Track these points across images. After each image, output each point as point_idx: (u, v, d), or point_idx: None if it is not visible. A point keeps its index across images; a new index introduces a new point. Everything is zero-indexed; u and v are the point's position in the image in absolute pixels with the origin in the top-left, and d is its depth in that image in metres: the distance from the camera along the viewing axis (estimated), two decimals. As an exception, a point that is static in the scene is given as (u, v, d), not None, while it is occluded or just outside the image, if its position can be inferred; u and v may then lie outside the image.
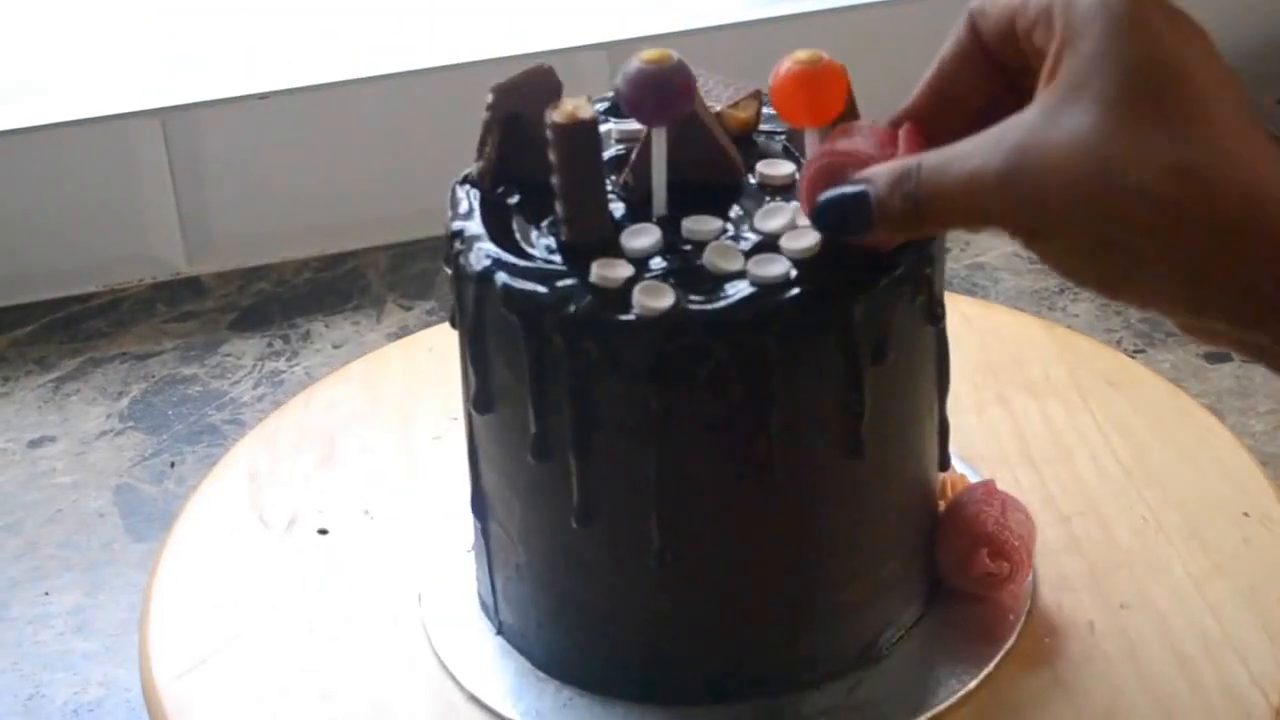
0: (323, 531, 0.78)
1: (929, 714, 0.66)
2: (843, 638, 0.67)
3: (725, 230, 0.63)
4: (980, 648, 0.68)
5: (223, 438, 0.91)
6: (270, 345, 0.98)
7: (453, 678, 0.69)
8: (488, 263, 0.63)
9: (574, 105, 0.61)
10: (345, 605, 0.74)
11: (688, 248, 0.62)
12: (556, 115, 0.61)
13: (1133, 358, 0.88)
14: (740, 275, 0.61)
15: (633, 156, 0.65)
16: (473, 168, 0.67)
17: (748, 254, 0.62)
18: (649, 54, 0.62)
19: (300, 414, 0.84)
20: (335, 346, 0.98)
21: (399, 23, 1.06)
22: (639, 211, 0.64)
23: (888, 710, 0.66)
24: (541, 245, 0.63)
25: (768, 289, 0.60)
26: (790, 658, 0.67)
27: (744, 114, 0.68)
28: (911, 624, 0.69)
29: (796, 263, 0.61)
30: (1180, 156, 0.49)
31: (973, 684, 0.67)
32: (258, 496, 0.79)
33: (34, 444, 0.92)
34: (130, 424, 0.93)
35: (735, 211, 0.64)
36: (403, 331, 0.97)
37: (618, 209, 0.65)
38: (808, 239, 0.61)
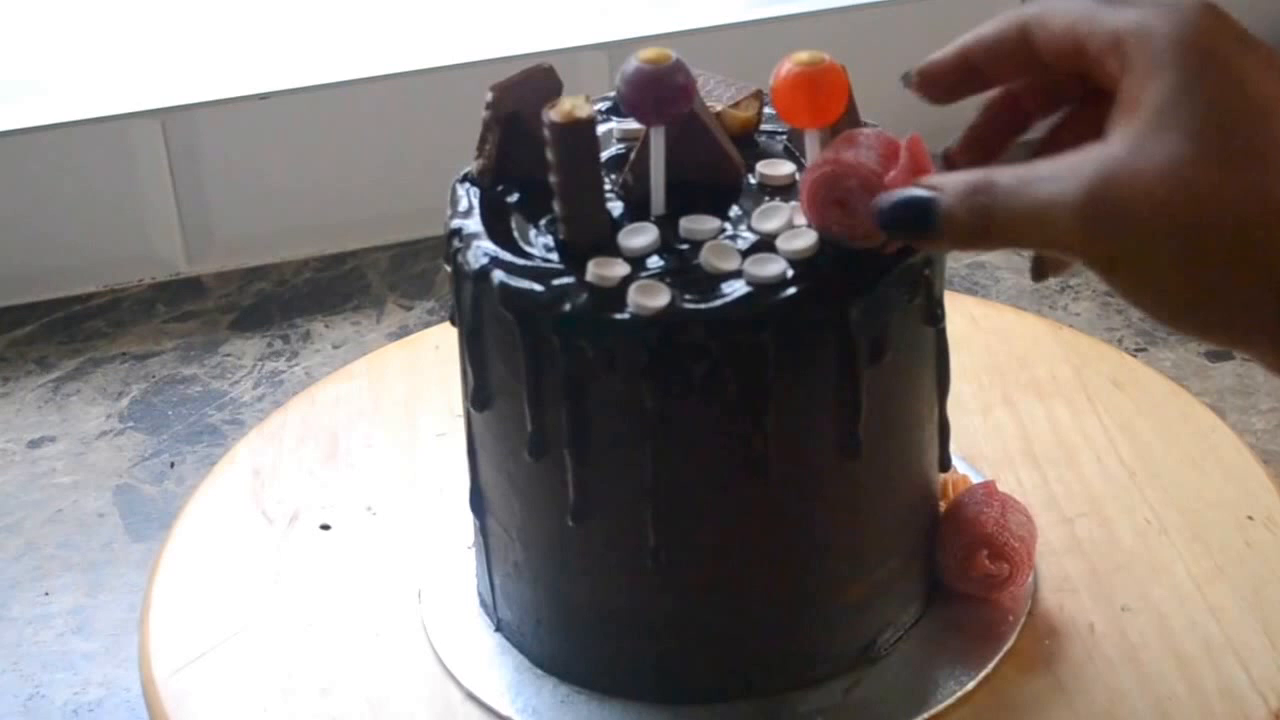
0: (325, 527, 0.78)
1: (927, 714, 0.66)
2: (841, 637, 0.67)
3: (723, 230, 0.63)
4: (980, 649, 0.68)
5: (223, 438, 0.91)
6: (270, 345, 0.98)
7: (451, 675, 0.70)
8: (485, 261, 0.63)
9: (571, 104, 0.62)
10: (345, 601, 0.74)
11: (685, 247, 0.62)
12: (554, 114, 0.61)
13: (1134, 356, 0.88)
14: (737, 275, 0.61)
15: (632, 156, 0.65)
16: (472, 166, 0.67)
17: (745, 254, 0.62)
18: (647, 53, 0.62)
19: (305, 410, 0.84)
20: (335, 346, 0.98)
21: (399, 23, 1.06)
22: (638, 211, 0.64)
23: (885, 710, 0.66)
24: (540, 244, 0.63)
25: (764, 289, 0.60)
26: (787, 657, 0.67)
27: (745, 114, 0.68)
28: (910, 624, 0.69)
29: (793, 263, 0.61)
30: (1272, 190, 0.50)
31: (971, 685, 0.67)
32: (261, 492, 0.80)
33: (34, 444, 0.92)
34: (130, 424, 0.93)
35: (734, 211, 0.64)
36: (403, 331, 0.97)
37: (617, 208, 0.65)
38: (804, 239, 0.61)
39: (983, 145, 0.60)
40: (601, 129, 0.67)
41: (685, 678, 0.67)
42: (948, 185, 0.54)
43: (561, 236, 0.63)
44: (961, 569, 0.69)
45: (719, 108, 0.68)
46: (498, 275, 0.62)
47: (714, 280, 0.61)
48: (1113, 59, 0.53)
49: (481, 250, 0.63)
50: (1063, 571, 0.72)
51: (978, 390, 0.81)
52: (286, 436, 0.83)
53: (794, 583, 0.65)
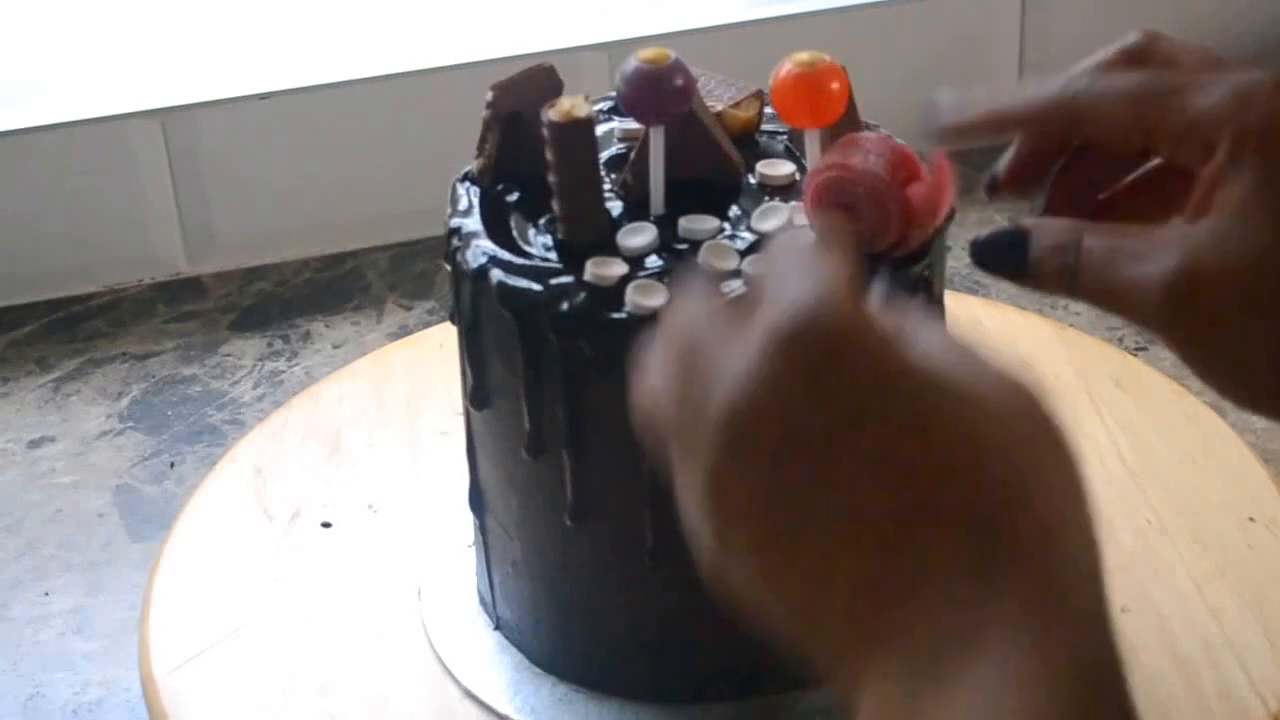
0: (326, 525, 0.78)
1: (927, 715, 0.66)
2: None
3: (722, 230, 0.63)
4: (979, 649, 0.68)
5: (223, 438, 0.91)
6: (270, 345, 0.98)
7: (450, 673, 0.70)
8: (484, 259, 0.63)
9: (570, 104, 0.62)
10: (345, 599, 0.74)
11: (684, 247, 0.62)
12: (553, 114, 0.61)
13: (1135, 355, 0.88)
14: (735, 274, 0.61)
15: (632, 156, 0.65)
16: (472, 165, 0.67)
17: (743, 253, 0.62)
18: (646, 53, 0.62)
19: (308, 408, 0.85)
20: (335, 346, 0.98)
21: (399, 23, 1.06)
22: (637, 210, 0.64)
23: (885, 711, 0.66)
24: (539, 243, 0.63)
25: (763, 288, 0.60)
26: (785, 656, 0.66)
27: (746, 114, 0.68)
28: (910, 625, 0.69)
29: (793, 262, 0.61)
30: None
31: (971, 685, 0.67)
32: (263, 490, 0.80)
33: (34, 444, 0.92)
34: (130, 424, 0.93)
35: (733, 211, 0.64)
36: (403, 331, 0.97)
37: (616, 208, 0.65)
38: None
39: (1029, 171, 0.59)
40: (601, 129, 0.67)
41: (683, 677, 0.67)
42: (1045, 231, 0.54)
43: (560, 236, 0.63)
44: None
45: (719, 108, 0.68)
46: (496, 274, 0.62)
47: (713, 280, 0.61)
48: (1190, 147, 0.53)
49: (480, 249, 0.63)
50: (1063, 572, 0.71)
51: (980, 390, 0.81)
52: (289, 434, 0.83)
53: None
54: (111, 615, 0.81)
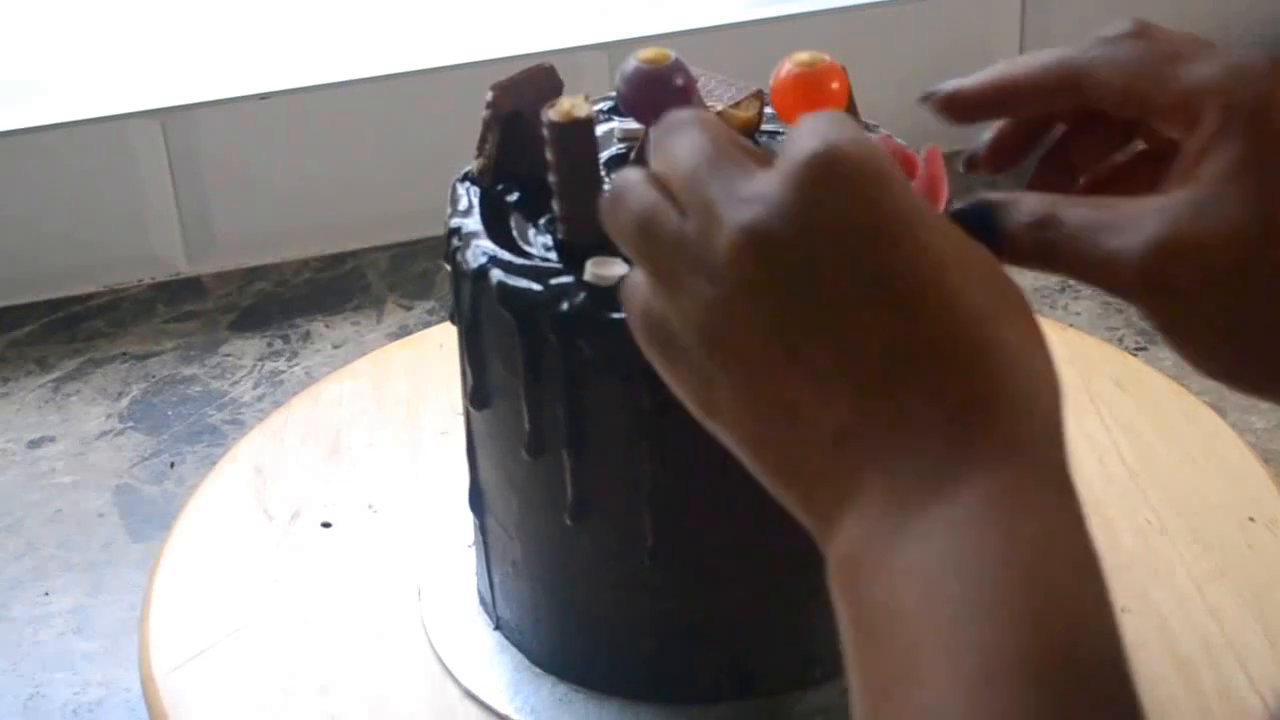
0: (326, 525, 0.78)
1: (927, 715, 0.66)
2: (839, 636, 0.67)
3: (722, 229, 0.63)
4: (979, 649, 0.68)
5: (223, 438, 0.91)
6: (270, 345, 0.98)
7: (450, 673, 0.70)
8: (484, 259, 0.63)
9: (570, 103, 0.62)
10: (345, 599, 0.74)
11: (684, 246, 0.62)
12: (553, 113, 0.61)
13: (1135, 355, 0.88)
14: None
15: (632, 156, 0.65)
16: (472, 165, 0.67)
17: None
18: (646, 53, 0.62)
19: (308, 408, 0.85)
20: (335, 346, 0.98)
21: (399, 23, 1.06)
22: (637, 210, 0.64)
23: (885, 711, 0.66)
24: (539, 243, 0.63)
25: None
26: (786, 656, 0.67)
27: (746, 114, 0.68)
28: (910, 625, 0.69)
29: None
30: None
31: (971, 685, 0.67)
32: (263, 490, 0.80)
33: (34, 444, 0.92)
34: (130, 424, 0.93)
35: (734, 210, 0.64)
36: (403, 331, 0.97)
37: (616, 207, 0.64)
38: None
39: (1009, 150, 0.59)
40: (601, 129, 0.67)
41: (683, 677, 0.67)
42: (1021, 206, 0.54)
43: (560, 236, 0.63)
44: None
45: (719, 108, 0.68)
46: (496, 274, 0.62)
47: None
48: (1178, 117, 0.52)
49: (480, 249, 0.63)
50: (1063, 572, 0.71)
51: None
52: (289, 434, 0.83)
53: (792, 581, 0.65)
54: (111, 615, 0.81)
